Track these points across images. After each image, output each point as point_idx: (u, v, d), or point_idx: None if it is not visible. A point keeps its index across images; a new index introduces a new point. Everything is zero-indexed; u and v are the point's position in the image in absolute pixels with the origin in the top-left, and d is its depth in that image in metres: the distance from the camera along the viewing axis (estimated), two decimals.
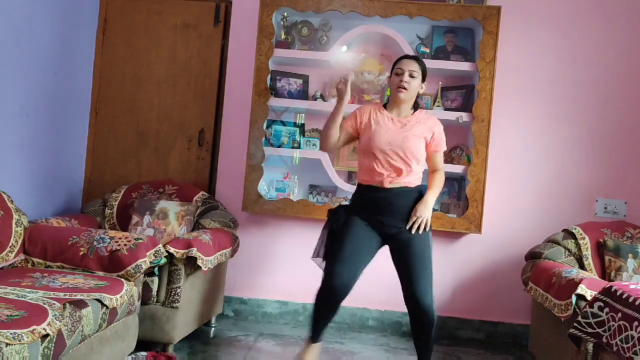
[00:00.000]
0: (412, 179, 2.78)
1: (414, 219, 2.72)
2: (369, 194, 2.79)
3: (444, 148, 2.89)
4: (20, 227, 2.74)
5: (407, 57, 2.87)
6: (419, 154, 2.77)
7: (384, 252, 3.71)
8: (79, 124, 3.81)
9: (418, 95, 2.90)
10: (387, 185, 2.75)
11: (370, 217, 2.76)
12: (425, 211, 2.73)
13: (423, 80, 2.84)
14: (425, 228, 2.74)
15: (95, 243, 2.68)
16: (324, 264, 2.83)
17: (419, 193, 2.80)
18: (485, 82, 3.50)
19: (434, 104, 3.67)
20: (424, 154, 2.83)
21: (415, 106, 2.88)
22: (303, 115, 3.81)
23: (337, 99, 2.83)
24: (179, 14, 3.89)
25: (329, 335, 3.54)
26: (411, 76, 2.77)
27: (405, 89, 2.76)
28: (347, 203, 3.01)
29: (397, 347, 3.40)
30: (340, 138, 2.87)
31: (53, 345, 1.94)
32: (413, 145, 2.75)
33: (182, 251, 2.85)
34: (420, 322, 2.68)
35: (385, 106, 2.88)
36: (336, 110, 2.82)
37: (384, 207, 2.75)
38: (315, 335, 2.81)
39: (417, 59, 2.86)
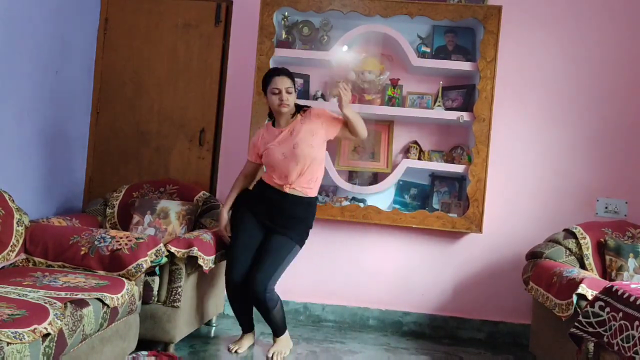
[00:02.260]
0: (311, 185, 3.04)
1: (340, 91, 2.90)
2: (267, 193, 3.05)
3: (339, 119, 3.05)
4: (22, 226, 2.74)
5: (276, 73, 3.05)
6: (312, 154, 2.99)
7: (382, 253, 3.72)
8: (80, 123, 3.82)
9: None
10: (286, 190, 3.01)
11: (260, 213, 3.04)
12: (347, 98, 2.92)
13: (295, 90, 3.08)
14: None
15: (96, 242, 2.68)
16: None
17: (311, 206, 3.09)
18: (486, 82, 3.50)
19: (434, 103, 3.66)
20: (320, 149, 3.03)
21: (297, 109, 3.10)
22: None
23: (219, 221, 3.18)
24: (179, 14, 3.89)
25: (330, 334, 3.54)
26: (288, 92, 3.01)
27: (287, 105, 3.01)
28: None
29: (397, 347, 3.40)
30: (250, 171, 3.22)
31: (54, 344, 1.94)
32: (304, 149, 2.97)
33: (183, 251, 2.85)
34: (255, 304, 3.01)
35: (273, 123, 3.13)
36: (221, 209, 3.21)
37: (276, 210, 3.02)
38: (242, 326, 3.18)
39: (286, 73, 3.06)
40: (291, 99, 3.03)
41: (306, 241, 3.10)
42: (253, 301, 3.00)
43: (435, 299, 3.71)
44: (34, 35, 3.21)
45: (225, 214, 3.15)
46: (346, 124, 3.03)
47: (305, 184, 3.02)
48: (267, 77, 3.06)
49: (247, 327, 3.19)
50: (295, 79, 3.72)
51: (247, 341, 3.19)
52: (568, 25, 3.67)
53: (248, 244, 3.04)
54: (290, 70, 3.74)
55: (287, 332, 3.15)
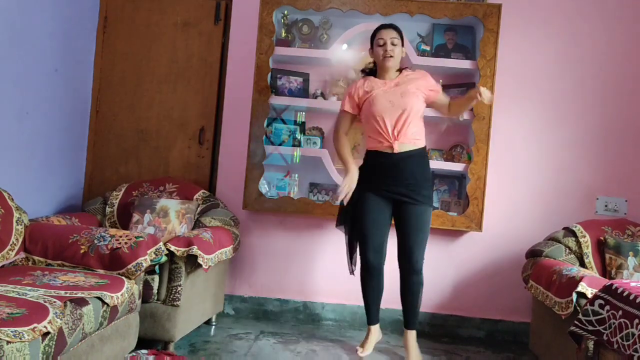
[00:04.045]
0: (418, 136, 3.01)
1: (481, 90, 2.88)
2: (380, 160, 3.00)
3: (440, 87, 3.14)
4: (21, 225, 2.74)
5: (384, 26, 3.04)
6: (417, 107, 2.98)
7: None
8: (80, 122, 3.82)
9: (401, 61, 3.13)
10: (396, 148, 2.95)
11: (380, 187, 2.98)
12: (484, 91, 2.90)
13: (402, 45, 3.06)
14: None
15: (95, 241, 2.68)
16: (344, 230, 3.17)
17: (425, 157, 3.05)
18: (486, 80, 3.50)
19: None
20: (422, 108, 3.05)
21: (400, 69, 3.12)
22: (303, 113, 3.81)
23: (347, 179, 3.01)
24: (179, 13, 3.89)
25: (330, 333, 3.54)
26: (393, 44, 2.99)
27: (391, 56, 2.99)
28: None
29: (397, 345, 3.40)
30: (347, 126, 3.14)
31: (54, 343, 1.94)
32: (411, 99, 2.96)
33: (183, 249, 2.85)
34: (409, 282, 3.02)
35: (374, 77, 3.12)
36: (346, 169, 3.07)
37: (393, 175, 2.96)
38: (370, 316, 3.16)
39: (394, 26, 3.03)
40: (396, 51, 2.98)
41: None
42: (408, 280, 2.99)
43: (435, 297, 3.71)
44: (34, 33, 3.20)
45: (355, 171, 3.00)
46: (439, 101, 3.10)
47: (411, 135, 2.96)
48: (375, 31, 3.05)
49: (376, 317, 3.16)
50: (295, 77, 3.76)
51: (375, 336, 3.14)
52: (568, 23, 3.67)
53: (378, 220, 3.00)
54: (290, 69, 3.77)
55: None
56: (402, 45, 3.04)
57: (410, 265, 2.98)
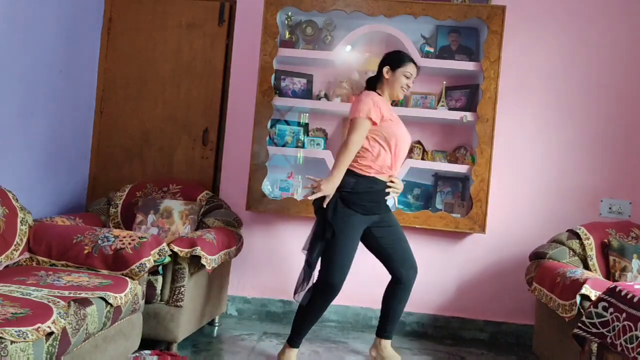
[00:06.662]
0: None
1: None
2: (376, 187, 2.85)
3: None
4: (25, 225, 2.75)
5: (414, 62, 2.99)
6: None
7: None
8: (84, 122, 3.83)
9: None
10: (390, 179, 2.90)
11: (368, 212, 2.83)
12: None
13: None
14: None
15: (99, 242, 2.68)
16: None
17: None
18: (490, 82, 3.50)
19: (438, 103, 3.66)
20: None
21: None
22: (307, 114, 3.82)
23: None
24: (183, 14, 3.90)
25: (333, 334, 3.54)
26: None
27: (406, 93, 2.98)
28: (345, 192, 2.80)
29: (400, 347, 3.40)
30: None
31: (57, 343, 1.95)
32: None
33: (186, 250, 2.86)
34: (409, 289, 2.97)
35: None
36: (336, 179, 2.76)
37: (382, 201, 2.91)
38: (299, 339, 2.90)
39: (417, 66, 3.01)
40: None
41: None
42: (407, 292, 2.97)
43: (438, 299, 3.71)
44: (39, 34, 3.22)
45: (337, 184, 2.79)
46: None
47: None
48: (403, 59, 2.94)
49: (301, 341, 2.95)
50: (298, 79, 3.76)
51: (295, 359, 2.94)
52: (572, 25, 3.66)
53: (355, 250, 2.85)
54: (294, 71, 3.78)
55: None
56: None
57: (411, 275, 2.97)
